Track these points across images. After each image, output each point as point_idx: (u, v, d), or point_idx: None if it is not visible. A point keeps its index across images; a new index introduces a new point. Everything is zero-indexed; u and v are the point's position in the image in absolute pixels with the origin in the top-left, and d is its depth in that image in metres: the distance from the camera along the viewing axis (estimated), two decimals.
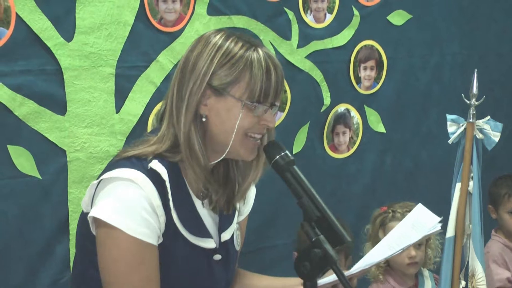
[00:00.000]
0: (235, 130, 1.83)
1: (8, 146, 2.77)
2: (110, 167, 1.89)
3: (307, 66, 3.58)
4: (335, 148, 3.74)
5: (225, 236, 2.01)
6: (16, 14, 2.77)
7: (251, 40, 1.89)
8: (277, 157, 1.86)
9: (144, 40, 3.07)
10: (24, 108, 2.79)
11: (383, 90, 3.89)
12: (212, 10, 3.26)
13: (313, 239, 1.76)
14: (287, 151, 1.90)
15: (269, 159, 1.88)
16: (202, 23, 3.23)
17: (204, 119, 1.85)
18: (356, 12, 3.71)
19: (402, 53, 3.95)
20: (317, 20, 3.59)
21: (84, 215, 1.91)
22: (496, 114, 3.24)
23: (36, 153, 2.81)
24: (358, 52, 3.75)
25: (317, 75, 3.62)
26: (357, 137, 3.82)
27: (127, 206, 1.79)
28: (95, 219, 1.83)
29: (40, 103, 2.82)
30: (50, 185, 2.86)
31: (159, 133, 1.90)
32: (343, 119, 3.75)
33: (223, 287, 2.04)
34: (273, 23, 3.45)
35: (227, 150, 1.86)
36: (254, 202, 3.43)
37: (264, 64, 1.83)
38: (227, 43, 1.84)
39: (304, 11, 3.54)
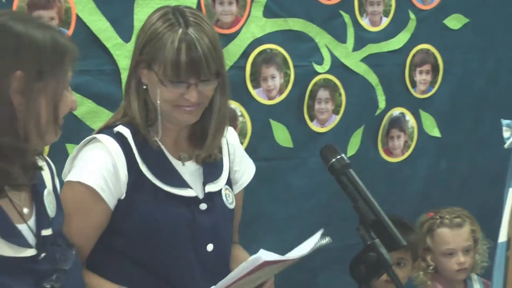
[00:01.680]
0: (158, 102, 2.02)
1: (67, 145, 2.83)
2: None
3: (362, 70, 3.57)
4: (389, 152, 3.73)
5: (210, 188, 2.13)
6: (77, 15, 2.83)
7: (184, 19, 2.03)
8: (333, 160, 1.90)
9: None
10: (82, 107, 2.84)
11: (439, 94, 3.86)
12: (268, 13, 3.28)
13: (369, 242, 1.77)
14: (343, 155, 1.93)
15: (325, 162, 1.92)
16: (258, 26, 3.26)
17: (144, 87, 2.06)
18: (412, 15, 3.70)
19: (458, 57, 3.92)
20: (373, 23, 3.59)
21: None
22: None
23: None
24: (413, 55, 3.73)
25: (373, 78, 3.61)
26: (412, 141, 3.80)
27: (89, 162, 2.02)
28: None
29: (98, 103, 2.88)
30: None
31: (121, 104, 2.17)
32: (397, 123, 3.73)
33: (211, 238, 2.12)
34: (329, 26, 3.45)
35: (159, 117, 2.04)
36: (307, 204, 3.48)
37: (176, 45, 1.98)
38: (157, 21, 2.04)
39: (360, 14, 3.54)
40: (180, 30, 2.01)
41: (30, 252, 1.61)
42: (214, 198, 2.15)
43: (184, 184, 2.08)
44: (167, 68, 1.99)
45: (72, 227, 1.92)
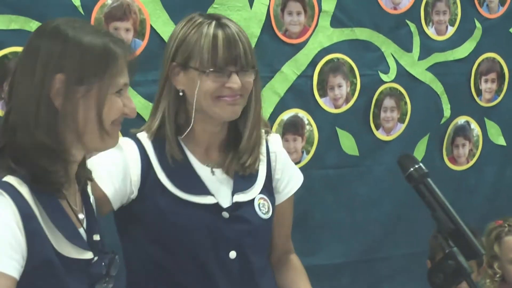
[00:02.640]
0: (195, 95, 2.02)
1: None
2: None
3: (428, 78, 3.60)
4: (454, 160, 3.74)
5: (239, 198, 2.10)
6: (151, 26, 2.91)
7: (212, 16, 2.07)
8: (411, 169, 1.92)
9: (269, 51, 3.17)
10: None
11: (504, 102, 3.85)
12: (336, 23, 3.33)
13: (447, 251, 1.79)
14: (421, 164, 1.95)
15: (404, 172, 1.94)
16: (325, 35, 3.31)
17: (181, 93, 2.05)
18: (478, 24, 3.71)
19: None
20: (439, 32, 3.61)
21: None
22: None
23: None
24: (479, 64, 3.74)
25: (438, 87, 3.63)
26: (477, 149, 3.80)
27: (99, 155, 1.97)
28: None
29: None
30: None
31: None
32: (463, 131, 3.74)
33: (234, 246, 2.08)
34: (395, 35, 3.49)
35: (193, 115, 2.04)
36: (372, 211, 3.50)
37: (212, 32, 2.00)
38: (185, 25, 2.06)
39: (426, 23, 3.56)
40: (214, 22, 2.04)
41: (89, 255, 1.67)
42: (243, 207, 2.12)
43: (204, 192, 2.07)
44: (204, 56, 1.99)
45: None
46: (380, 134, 3.50)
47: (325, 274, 3.36)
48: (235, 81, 2.01)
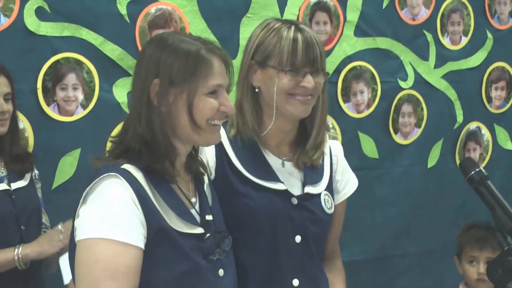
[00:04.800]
0: (275, 93, 2.12)
1: None
2: None
3: (443, 86, 3.78)
4: None
5: (309, 189, 2.22)
6: (190, 34, 3.07)
7: (289, 21, 2.18)
8: (472, 173, 2.05)
9: None
10: None
11: None
12: (359, 32, 3.51)
13: (505, 248, 1.92)
14: (481, 167, 2.08)
15: (465, 174, 2.06)
16: (349, 44, 3.49)
17: (257, 90, 2.16)
18: (489, 35, 3.89)
19: None
20: (453, 42, 3.80)
21: None
22: None
23: None
24: (490, 73, 3.92)
25: (452, 94, 3.81)
26: (487, 153, 3.98)
27: None
28: None
29: None
30: None
31: None
32: (474, 136, 3.93)
33: (300, 231, 2.19)
34: (413, 45, 3.68)
35: (274, 111, 2.14)
36: (390, 211, 3.67)
37: (292, 35, 2.10)
38: (265, 28, 2.16)
39: (441, 34, 3.75)
40: (293, 26, 2.15)
41: (199, 230, 1.85)
42: (311, 199, 2.24)
43: (275, 179, 2.18)
44: (283, 56, 2.10)
45: None
46: (398, 138, 3.68)
47: (346, 270, 3.50)
48: (309, 81, 2.12)
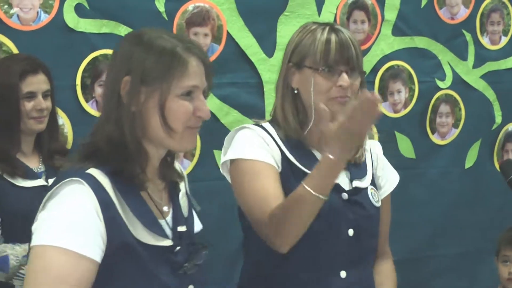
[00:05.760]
0: (312, 93, 2.13)
1: (214, 151, 3.08)
2: None
3: (481, 86, 3.75)
4: None
5: (357, 184, 2.23)
6: (227, 32, 3.09)
7: (326, 23, 2.19)
8: None
9: None
10: (229, 116, 3.09)
11: None
12: (397, 31, 3.50)
13: None
14: None
15: (505, 177, 2.07)
16: (387, 43, 3.47)
17: (295, 91, 2.18)
18: None
19: None
20: (493, 42, 3.76)
21: None
22: None
23: None
24: None
25: (490, 94, 3.78)
26: None
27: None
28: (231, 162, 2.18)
29: (243, 113, 3.12)
30: None
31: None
32: None
33: (352, 225, 2.19)
34: (451, 44, 3.65)
35: (313, 110, 2.14)
36: (426, 211, 3.64)
37: (325, 35, 2.13)
38: (302, 30, 2.19)
39: (480, 33, 3.71)
40: (327, 27, 2.18)
41: (167, 242, 1.72)
42: (360, 193, 2.25)
43: None
44: (317, 56, 2.12)
45: None
46: (435, 138, 3.65)
47: None
48: (345, 80, 2.13)
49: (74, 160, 1.69)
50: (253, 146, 2.14)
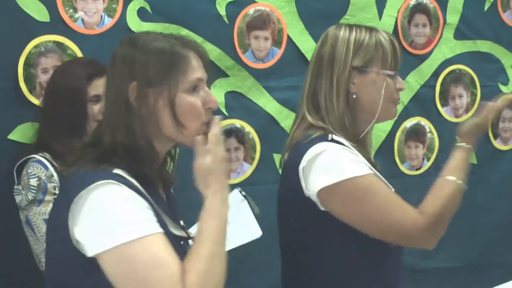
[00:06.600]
0: (382, 97, 2.11)
1: (274, 154, 3.08)
2: None
3: None
4: None
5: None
6: (288, 35, 3.09)
7: (368, 27, 2.16)
8: None
9: None
10: (288, 120, 3.08)
11: None
12: (459, 35, 3.46)
13: None
14: None
15: None
16: (448, 47, 3.44)
17: (354, 96, 2.12)
18: None
19: None
20: None
21: None
22: None
23: None
24: None
25: None
26: None
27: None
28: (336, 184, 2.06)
29: None
30: None
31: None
32: None
33: None
34: None
35: (377, 116, 2.13)
36: (487, 217, 3.60)
37: (389, 40, 2.12)
38: (354, 33, 2.13)
39: None
40: (379, 31, 2.14)
41: (183, 233, 1.80)
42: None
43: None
44: (388, 58, 2.10)
45: None
46: (497, 144, 3.60)
47: (441, 276, 3.47)
48: (403, 82, 2.16)
49: (84, 164, 1.68)
50: (352, 161, 2.05)
